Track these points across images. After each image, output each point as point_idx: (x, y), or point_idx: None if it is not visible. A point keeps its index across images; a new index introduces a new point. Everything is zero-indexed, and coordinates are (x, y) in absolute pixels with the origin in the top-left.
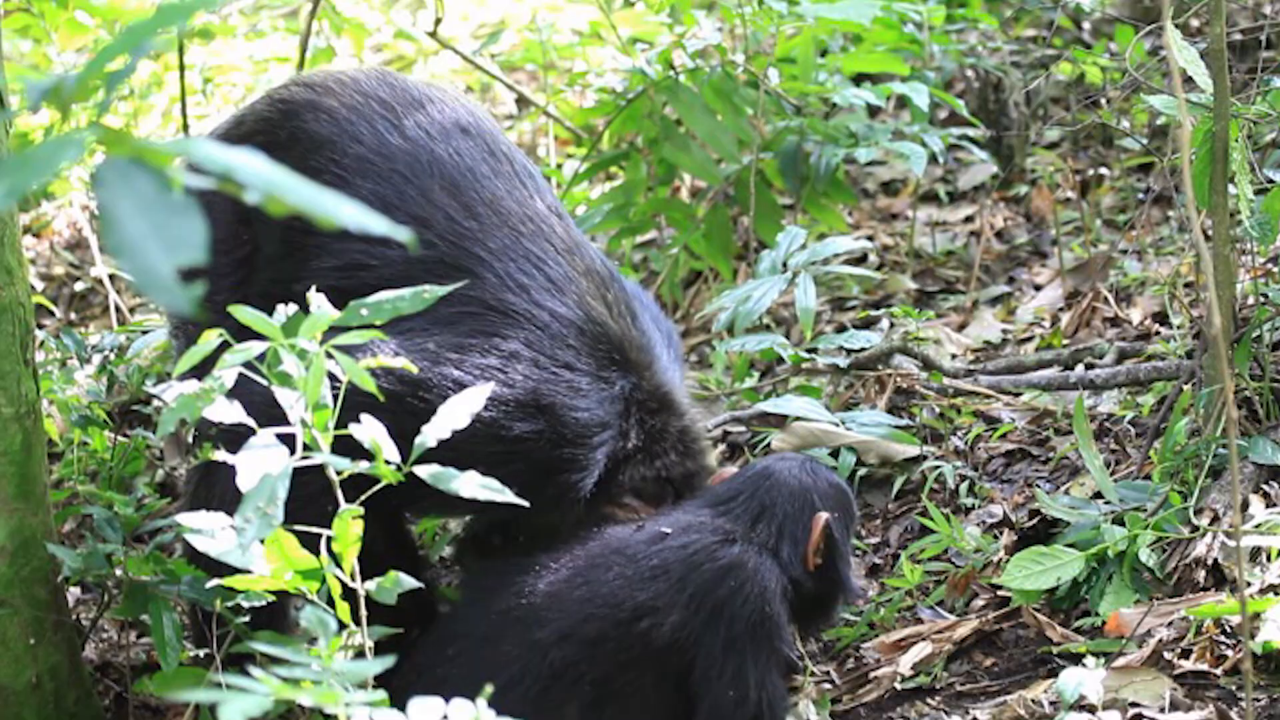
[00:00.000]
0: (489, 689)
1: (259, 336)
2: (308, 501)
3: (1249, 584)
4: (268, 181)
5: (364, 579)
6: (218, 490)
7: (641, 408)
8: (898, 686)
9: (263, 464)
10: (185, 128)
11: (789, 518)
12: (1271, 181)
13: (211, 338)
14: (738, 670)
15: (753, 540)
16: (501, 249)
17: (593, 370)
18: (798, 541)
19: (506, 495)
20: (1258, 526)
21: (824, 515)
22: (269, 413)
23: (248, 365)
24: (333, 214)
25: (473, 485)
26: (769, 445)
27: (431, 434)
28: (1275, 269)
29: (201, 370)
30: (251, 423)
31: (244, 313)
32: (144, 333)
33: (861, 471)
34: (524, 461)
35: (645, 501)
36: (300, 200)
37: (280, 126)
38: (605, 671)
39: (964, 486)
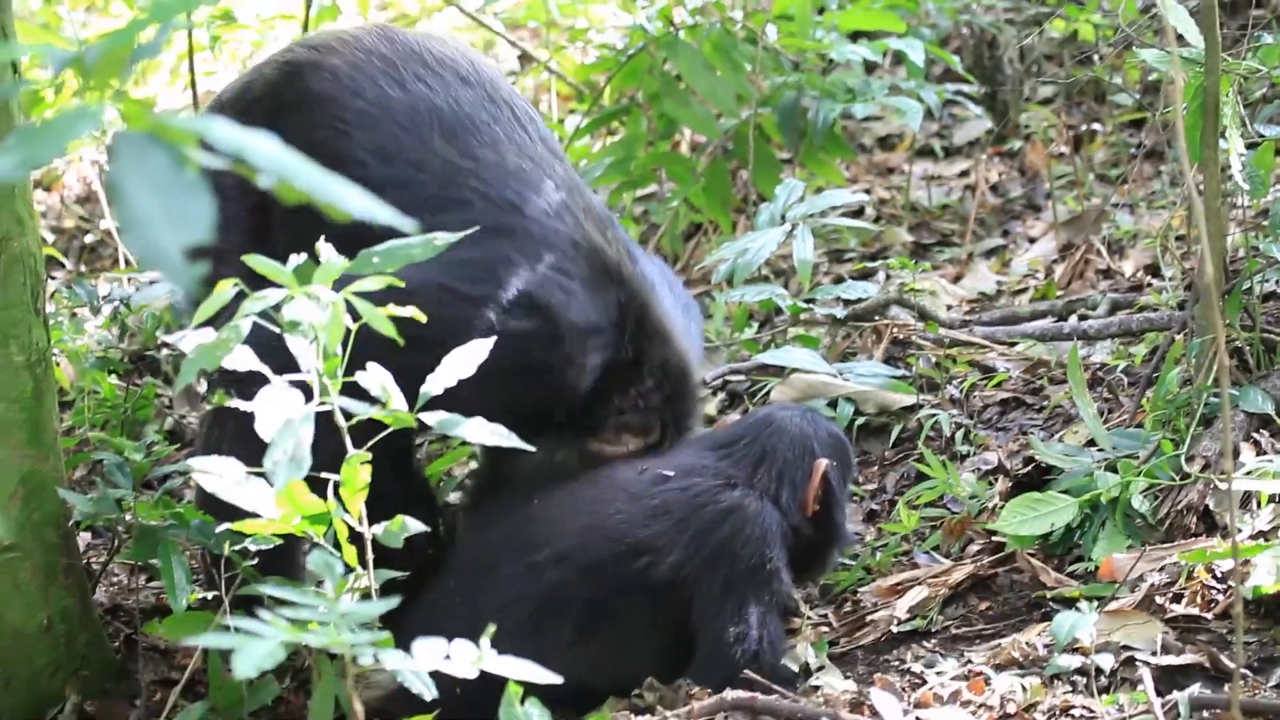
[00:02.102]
0: (491, 627)
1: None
2: (318, 446)
3: (1239, 530)
4: (280, 166)
5: (377, 520)
6: (229, 435)
7: (638, 328)
8: (894, 630)
9: (282, 409)
10: (193, 84)
11: (789, 464)
12: (1262, 136)
13: (227, 288)
14: (737, 609)
15: (754, 485)
16: (498, 181)
17: (588, 280)
18: (797, 487)
19: (514, 440)
20: (1248, 473)
21: (823, 462)
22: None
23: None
24: (341, 202)
25: (481, 431)
26: (768, 394)
27: (436, 383)
28: (1265, 222)
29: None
30: (267, 370)
31: (259, 261)
32: (152, 282)
33: (859, 420)
34: (519, 359)
35: (634, 435)
36: (310, 186)
37: (286, 88)
38: (600, 595)
39: (959, 434)
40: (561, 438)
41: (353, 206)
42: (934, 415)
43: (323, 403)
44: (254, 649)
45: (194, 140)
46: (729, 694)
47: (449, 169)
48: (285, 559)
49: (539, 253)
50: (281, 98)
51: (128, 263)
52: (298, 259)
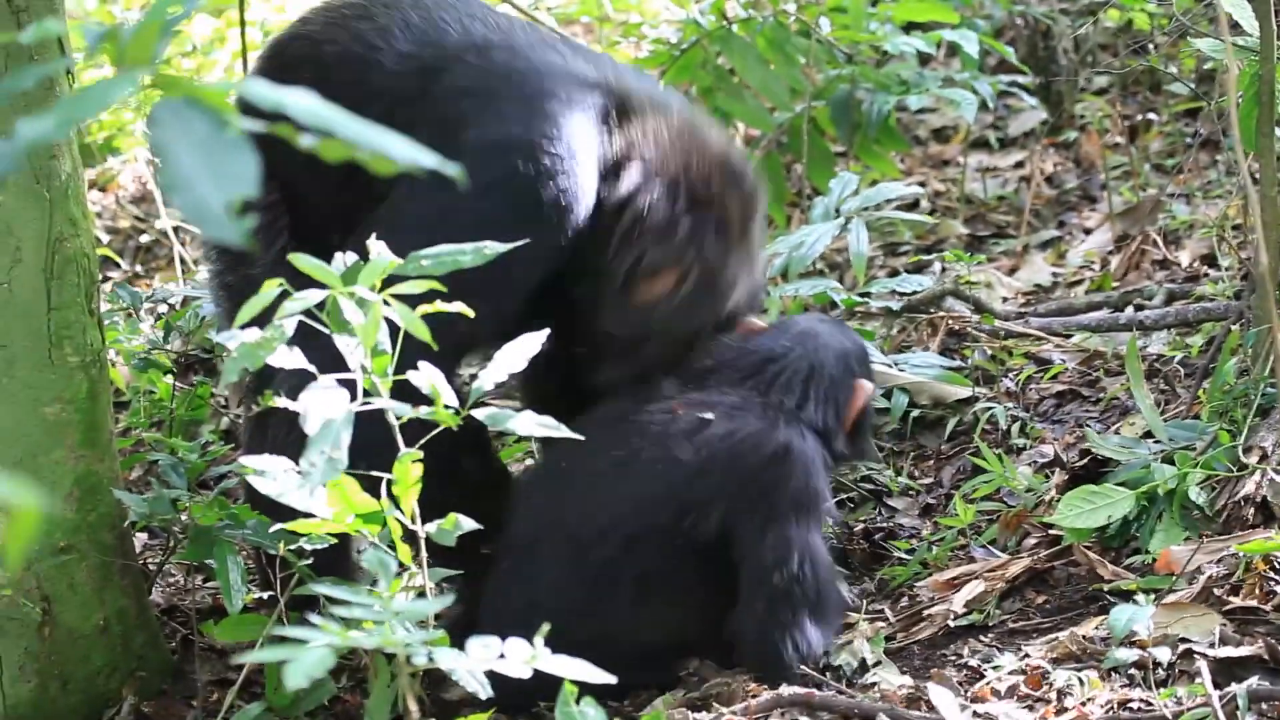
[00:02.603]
0: (546, 627)
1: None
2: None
3: None
4: (323, 118)
5: (451, 505)
6: (272, 436)
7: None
8: (950, 624)
9: (325, 408)
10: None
11: (834, 384)
12: None
13: (272, 287)
14: (779, 537)
15: (801, 418)
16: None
17: (575, 95)
18: (840, 409)
19: (563, 430)
20: None
21: (867, 386)
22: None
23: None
24: (387, 150)
25: (530, 424)
26: None
27: (488, 379)
28: None
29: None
30: (313, 368)
31: (303, 260)
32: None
33: (914, 413)
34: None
35: (669, 267)
36: (355, 137)
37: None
38: (650, 563)
39: (1015, 427)
40: (596, 296)
41: (398, 154)
42: (990, 408)
43: (367, 402)
44: (304, 659)
45: (229, 101)
46: (785, 690)
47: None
48: (342, 558)
49: (518, 76)
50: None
51: (183, 263)
52: (344, 258)
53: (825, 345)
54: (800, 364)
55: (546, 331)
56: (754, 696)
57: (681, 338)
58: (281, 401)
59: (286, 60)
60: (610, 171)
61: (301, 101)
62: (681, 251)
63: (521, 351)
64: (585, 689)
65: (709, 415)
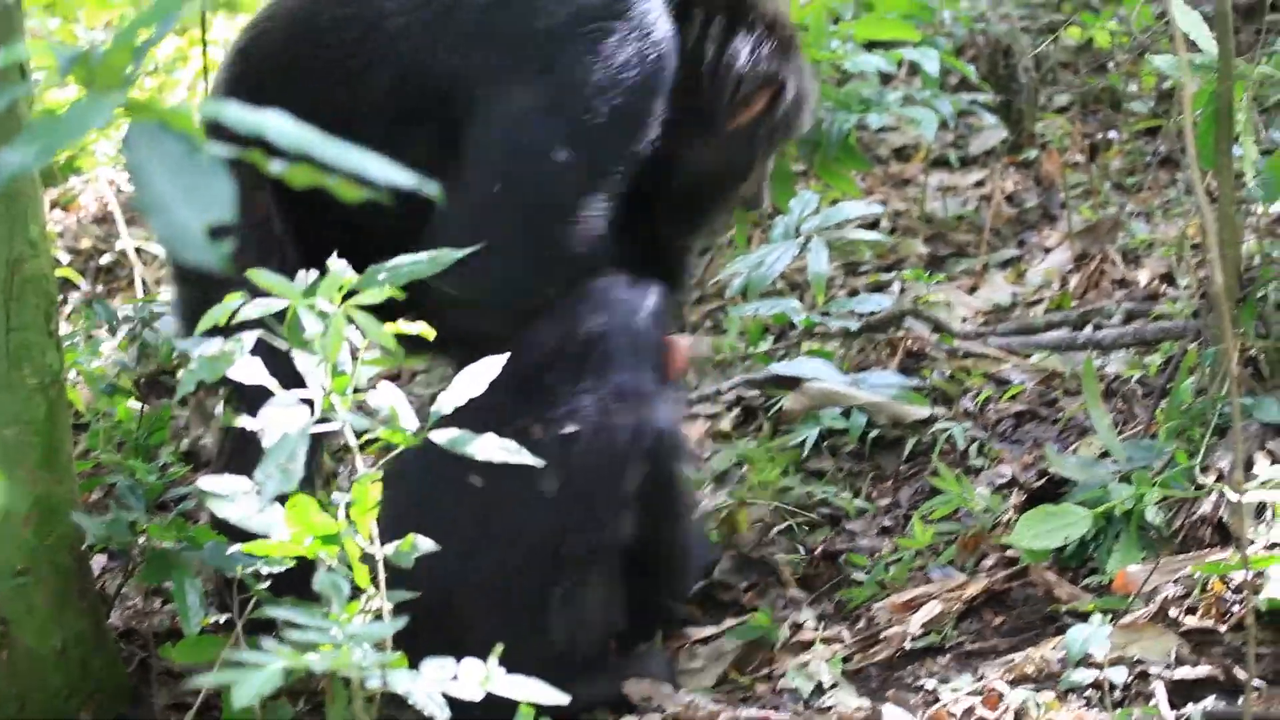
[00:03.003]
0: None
1: None
2: None
3: (1253, 541)
4: (299, 141)
5: None
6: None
7: None
8: (908, 645)
9: (284, 423)
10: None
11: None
12: (1276, 143)
13: (235, 298)
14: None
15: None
16: None
17: None
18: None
19: (525, 457)
20: (1262, 484)
21: (679, 340)
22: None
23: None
24: (366, 172)
25: (492, 448)
26: (781, 407)
27: (447, 403)
28: None
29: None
30: (273, 384)
31: (262, 276)
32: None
33: (873, 433)
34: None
35: (761, 87)
36: (333, 158)
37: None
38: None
39: (974, 447)
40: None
41: (378, 175)
42: (948, 428)
43: (326, 419)
44: (251, 679)
45: (202, 125)
46: (741, 712)
47: None
48: (304, 579)
49: None
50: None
51: (144, 283)
52: (305, 275)
53: (634, 309)
54: (620, 339)
55: (507, 355)
56: (710, 718)
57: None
58: (242, 420)
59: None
60: (680, 13)
61: (278, 124)
62: (771, 70)
63: (482, 375)
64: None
65: (572, 428)
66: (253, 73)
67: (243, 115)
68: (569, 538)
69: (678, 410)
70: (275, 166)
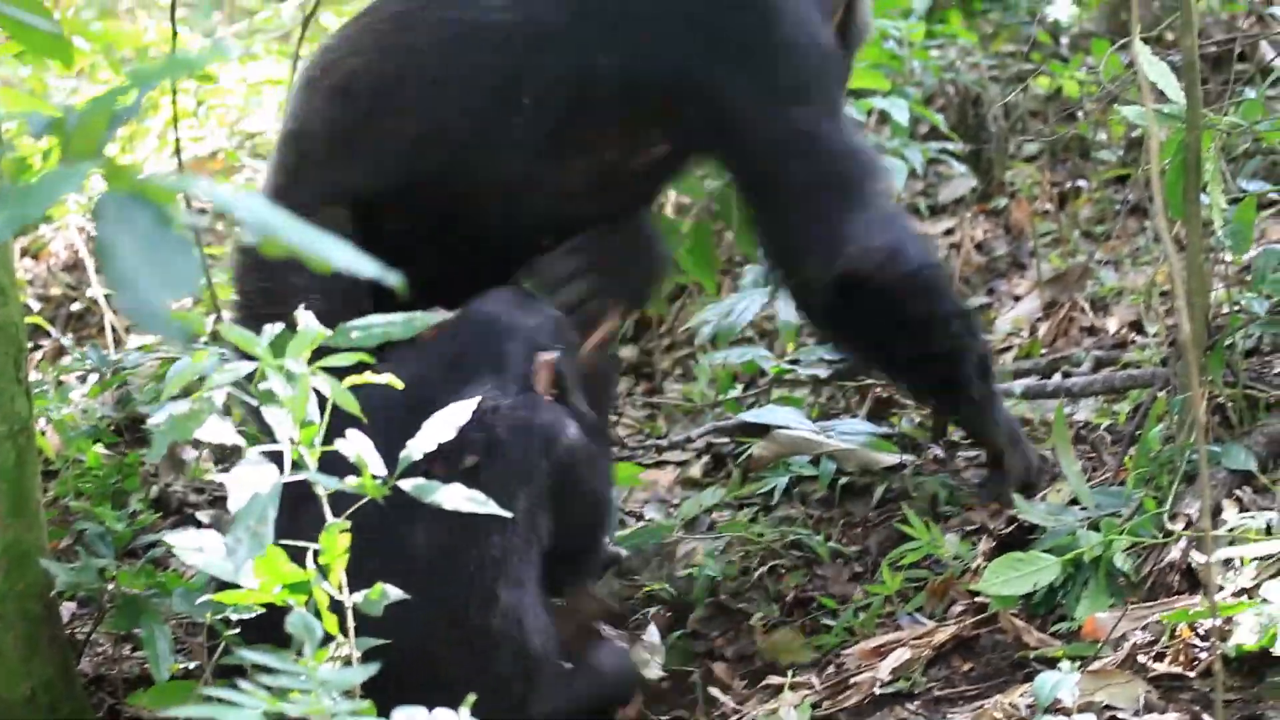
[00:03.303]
0: (471, 697)
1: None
2: None
3: (1221, 588)
4: (263, 221)
5: None
6: None
7: None
8: (877, 691)
9: (252, 483)
10: (178, 151)
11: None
12: (1244, 192)
13: (204, 357)
14: None
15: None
16: None
17: None
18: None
19: (490, 506)
20: (1230, 531)
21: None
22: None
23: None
24: (326, 257)
25: (460, 499)
26: (751, 454)
27: (416, 448)
28: (1249, 277)
29: None
30: (241, 441)
31: (234, 332)
32: (139, 348)
33: (843, 480)
34: None
35: None
36: (294, 241)
37: None
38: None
39: (943, 494)
40: None
41: (338, 261)
42: (918, 476)
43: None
44: (232, 713)
45: (175, 199)
46: None
47: None
48: (275, 626)
49: None
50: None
51: (114, 330)
52: (273, 329)
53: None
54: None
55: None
56: None
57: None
58: (214, 475)
59: None
60: None
61: (246, 204)
62: None
63: (451, 422)
64: None
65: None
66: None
67: (213, 193)
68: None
69: (583, 420)
70: (247, 237)
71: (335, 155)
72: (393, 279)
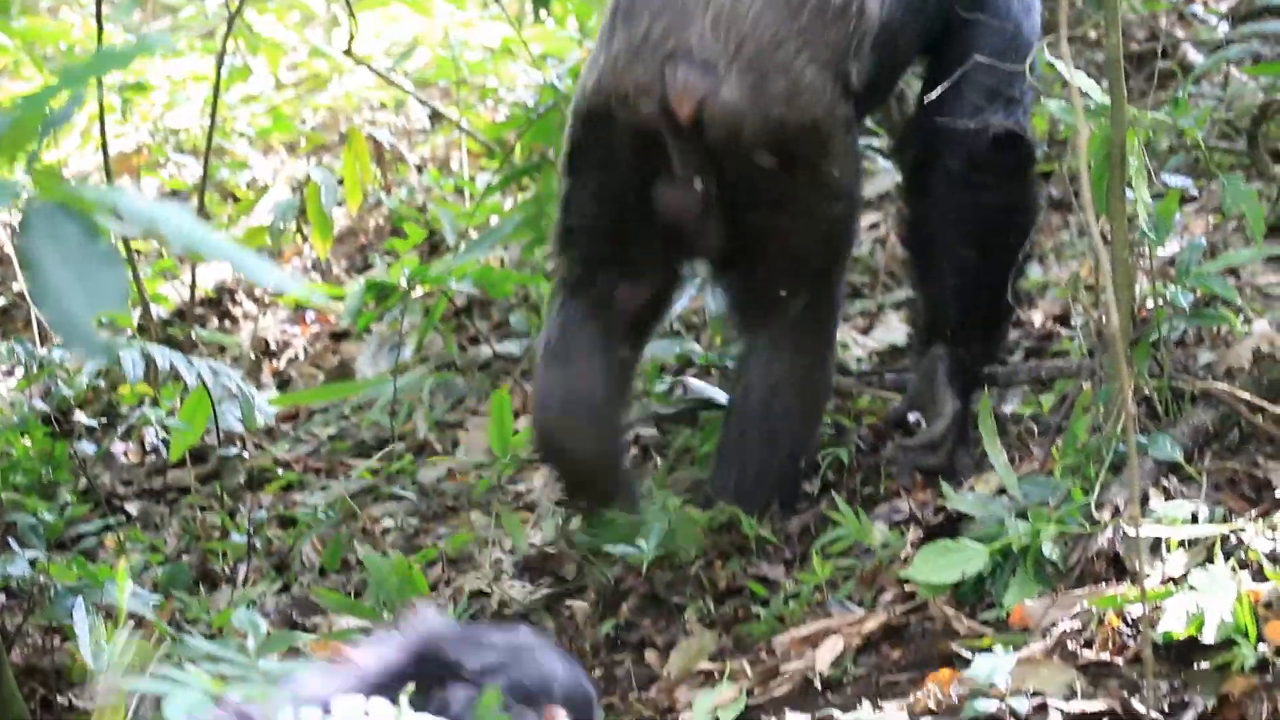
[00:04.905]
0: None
1: None
2: None
3: (1148, 575)
4: (189, 236)
5: None
6: None
7: None
8: (810, 678)
9: None
10: (104, 146)
11: None
12: (1168, 187)
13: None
14: None
15: None
16: None
17: None
18: None
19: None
20: (1157, 520)
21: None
22: None
23: None
24: (252, 273)
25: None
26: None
27: None
28: (1173, 270)
29: None
30: None
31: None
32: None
33: None
34: None
35: None
36: (220, 255)
37: None
38: None
39: (871, 483)
40: None
41: (265, 279)
42: (845, 465)
43: None
44: (184, 695)
45: (105, 210)
46: None
47: None
48: None
49: None
50: None
51: (39, 324)
52: None
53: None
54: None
55: None
56: None
57: None
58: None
59: None
60: None
61: (172, 219)
62: None
63: None
64: None
65: None
66: None
67: (137, 207)
68: None
69: None
70: (175, 249)
71: None
72: (319, 298)
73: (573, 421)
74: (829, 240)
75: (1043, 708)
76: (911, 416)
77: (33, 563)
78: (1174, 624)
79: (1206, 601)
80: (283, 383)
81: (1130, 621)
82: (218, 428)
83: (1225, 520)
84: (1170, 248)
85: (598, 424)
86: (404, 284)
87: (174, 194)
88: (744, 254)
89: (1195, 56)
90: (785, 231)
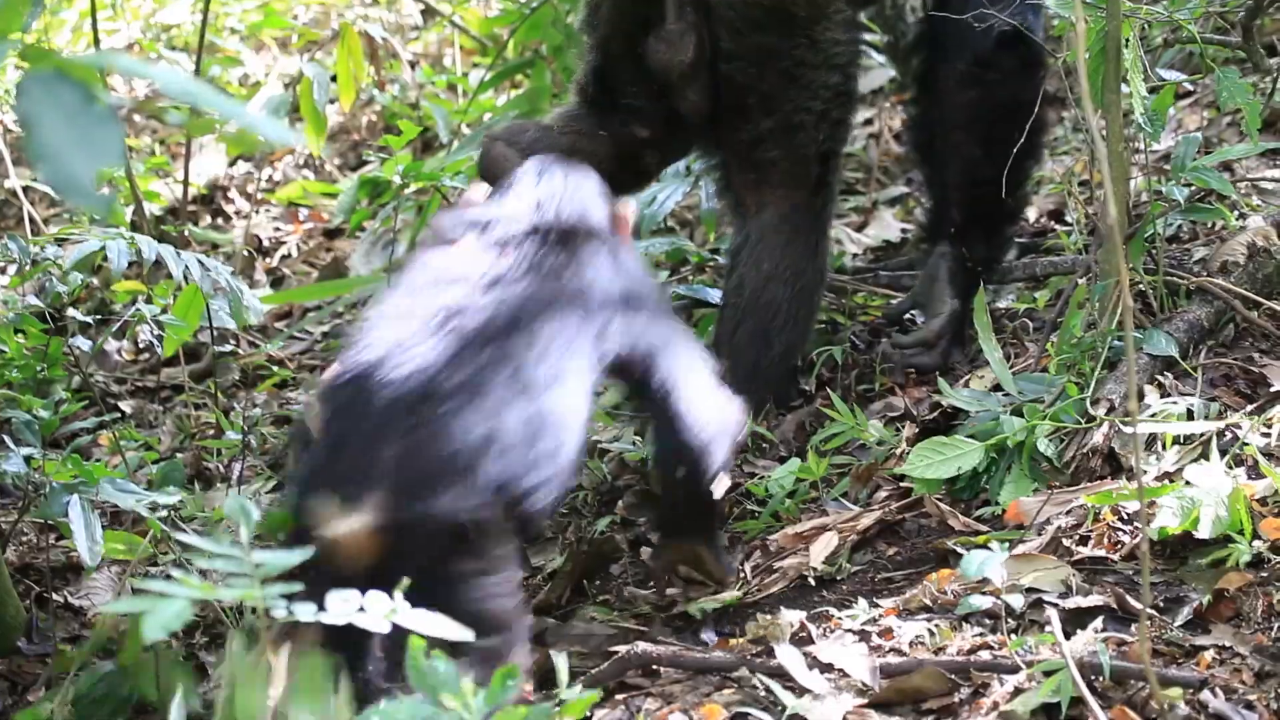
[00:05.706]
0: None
1: None
2: None
3: (1144, 471)
4: (191, 94)
5: None
6: None
7: None
8: (806, 575)
9: None
10: (96, 42)
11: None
12: (1163, 80)
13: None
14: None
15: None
16: None
17: None
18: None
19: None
20: (1152, 416)
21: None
22: None
23: None
24: (255, 127)
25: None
26: None
27: None
28: (1168, 166)
29: None
30: None
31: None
32: (59, 242)
33: None
34: None
35: None
36: (224, 112)
37: None
38: None
39: (866, 380)
40: None
41: (268, 132)
42: (841, 362)
43: None
44: (162, 611)
45: (98, 75)
46: (638, 646)
47: None
48: None
49: None
50: None
51: (32, 221)
52: None
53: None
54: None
55: None
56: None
57: None
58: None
59: None
60: None
61: (167, 76)
62: None
63: None
64: None
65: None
66: None
67: (133, 66)
68: None
69: None
70: (172, 118)
71: None
72: (299, 140)
73: None
74: (823, 116)
75: (1038, 604)
76: (912, 315)
77: (28, 460)
78: (1169, 520)
79: (1202, 497)
80: (276, 280)
81: (1126, 517)
82: (211, 325)
83: (1221, 416)
84: (1165, 142)
85: None
86: (397, 181)
87: None
88: (732, 112)
89: None
90: (777, 94)
